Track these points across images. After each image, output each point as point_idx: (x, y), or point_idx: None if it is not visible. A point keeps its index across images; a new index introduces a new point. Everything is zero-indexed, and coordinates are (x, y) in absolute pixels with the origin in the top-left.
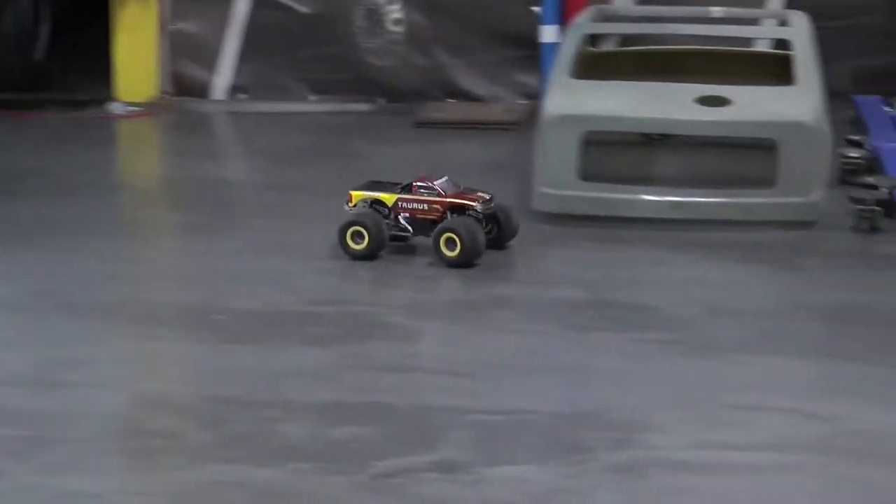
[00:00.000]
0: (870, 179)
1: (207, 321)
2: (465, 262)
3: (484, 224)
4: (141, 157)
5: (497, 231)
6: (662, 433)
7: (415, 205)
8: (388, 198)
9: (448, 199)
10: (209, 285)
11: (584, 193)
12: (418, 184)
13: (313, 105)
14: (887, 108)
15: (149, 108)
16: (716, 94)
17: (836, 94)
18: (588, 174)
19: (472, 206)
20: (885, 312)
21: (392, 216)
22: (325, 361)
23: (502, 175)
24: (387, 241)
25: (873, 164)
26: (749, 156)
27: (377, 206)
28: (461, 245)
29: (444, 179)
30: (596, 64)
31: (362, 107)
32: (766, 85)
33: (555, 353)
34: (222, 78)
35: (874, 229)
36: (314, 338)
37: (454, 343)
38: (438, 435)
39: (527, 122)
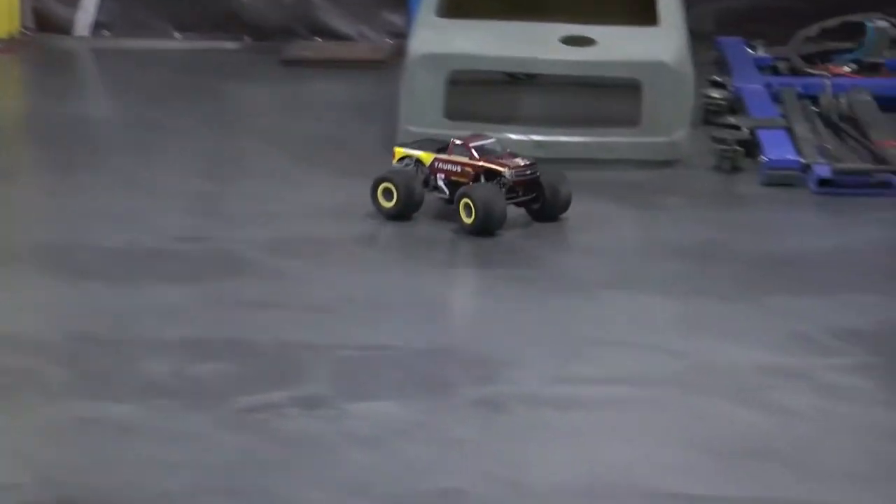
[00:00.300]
0: (732, 120)
1: (69, 259)
2: (480, 231)
3: (521, 192)
4: (0, 94)
5: (543, 201)
6: (523, 368)
7: (450, 166)
8: (426, 157)
9: (479, 163)
10: (71, 223)
11: (449, 132)
12: (456, 142)
13: (178, 43)
14: (750, 50)
15: (9, 45)
16: (580, 34)
17: (699, 36)
18: (454, 113)
19: (500, 171)
20: (745, 251)
21: (431, 176)
22: (187, 298)
23: (369, 114)
24: (420, 201)
25: (735, 105)
26: (613, 96)
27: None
28: (475, 213)
29: (489, 141)
30: (462, 3)
31: (228, 45)
32: (631, 26)
33: (417, 289)
34: (85, 14)
35: (735, 169)
36: (176, 275)
37: (316, 280)
38: (300, 371)
39: (393, 61)
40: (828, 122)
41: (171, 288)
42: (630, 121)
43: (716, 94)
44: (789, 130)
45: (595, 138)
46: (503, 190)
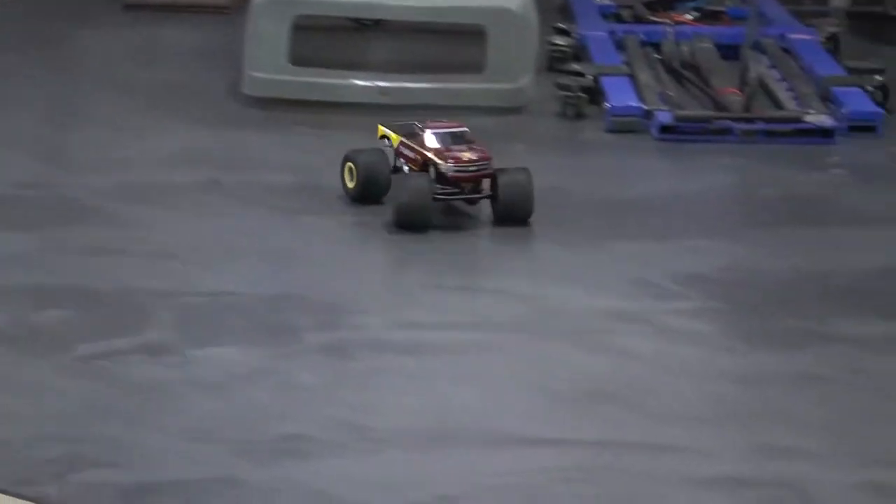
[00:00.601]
0: (576, 67)
1: None
2: (359, 197)
3: (467, 188)
4: None
5: (497, 201)
6: (368, 315)
7: (408, 150)
8: (395, 139)
9: (423, 151)
10: None
11: (294, 78)
12: (418, 125)
13: None
14: None
15: None
16: None
17: None
18: (299, 59)
19: (437, 164)
20: (588, 197)
21: (398, 159)
22: (28, 245)
23: (213, 61)
24: (386, 184)
25: (580, 52)
26: (459, 42)
27: None
28: (356, 178)
29: (456, 129)
30: None
31: None
32: None
33: (262, 236)
34: None
35: (579, 115)
36: (17, 222)
37: (161, 227)
38: (145, 318)
39: (237, 7)
40: (670, 70)
41: (12, 235)
42: (475, 67)
43: (560, 41)
44: (632, 77)
45: (440, 85)
46: (432, 181)
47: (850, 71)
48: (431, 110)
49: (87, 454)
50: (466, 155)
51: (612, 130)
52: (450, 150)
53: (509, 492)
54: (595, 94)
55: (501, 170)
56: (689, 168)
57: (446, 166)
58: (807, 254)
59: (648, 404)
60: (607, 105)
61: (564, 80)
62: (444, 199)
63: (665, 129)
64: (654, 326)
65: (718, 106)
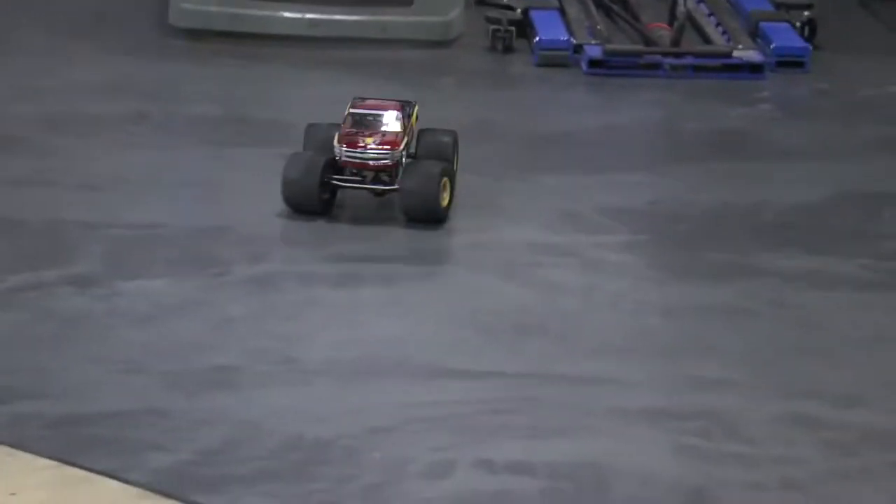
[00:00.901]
0: (505, 0)
1: None
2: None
3: (367, 177)
4: None
5: (401, 193)
6: (295, 246)
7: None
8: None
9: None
10: None
11: (221, 9)
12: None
13: None
14: None
15: None
16: None
17: None
18: None
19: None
20: (517, 130)
21: None
22: None
23: None
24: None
25: None
26: None
27: None
28: None
29: (369, 112)
30: None
31: None
32: None
33: (190, 168)
34: None
35: (508, 49)
36: None
37: (88, 158)
38: (72, 249)
39: None
40: (599, 4)
41: None
42: (405, 0)
43: None
44: (562, 12)
45: (369, 17)
46: (321, 163)
47: (779, 6)
48: (359, 43)
49: (15, 385)
50: (366, 140)
51: (541, 64)
52: (353, 133)
53: (439, 423)
54: (524, 27)
55: (413, 161)
56: (617, 102)
57: (337, 149)
58: (733, 188)
59: (576, 337)
60: (536, 39)
61: (493, 13)
62: (337, 186)
63: (594, 63)
64: (582, 259)
65: (648, 41)
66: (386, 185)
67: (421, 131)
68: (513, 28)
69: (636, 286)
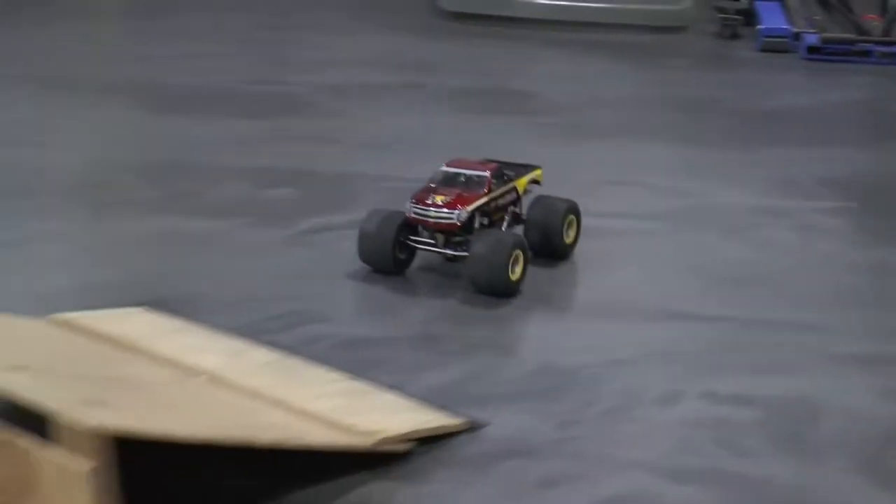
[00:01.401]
0: None
1: (154, 95)
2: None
3: (441, 240)
4: None
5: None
6: None
7: None
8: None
9: None
10: (156, 64)
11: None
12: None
13: None
14: None
15: None
16: None
17: None
18: None
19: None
20: (740, 107)
21: None
22: (259, 132)
23: None
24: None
25: None
26: None
27: None
28: None
29: (455, 171)
30: None
31: None
32: None
33: (456, 131)
34: None
35: (734, 36)
36: (247, 112)
37: (368, 120)
38: (355, 198)
39: None
40: None
41: (244, 123)
42: None
43: None
44: (783, 3)
45: (610, 4)
46: (398, 220)
47: None
48: (599, 27)
49: (309, 310)
50: (435, 198)
51: (763, 50)
52: (429, 191)
53: (669, 358)
54: (749, 17)
55: (483, 230)
56: (831, 85)
57: (407, 205)
58: None
59: (790, 289)
60: (760, 27)
61: (722, 3)
62: (411, 245)
63: (811, 49)
64: (796, 221)
65: (860, 30)
66: (457, 249)
67: (537, 198)
68: (739, 17)
69: (845, 247)
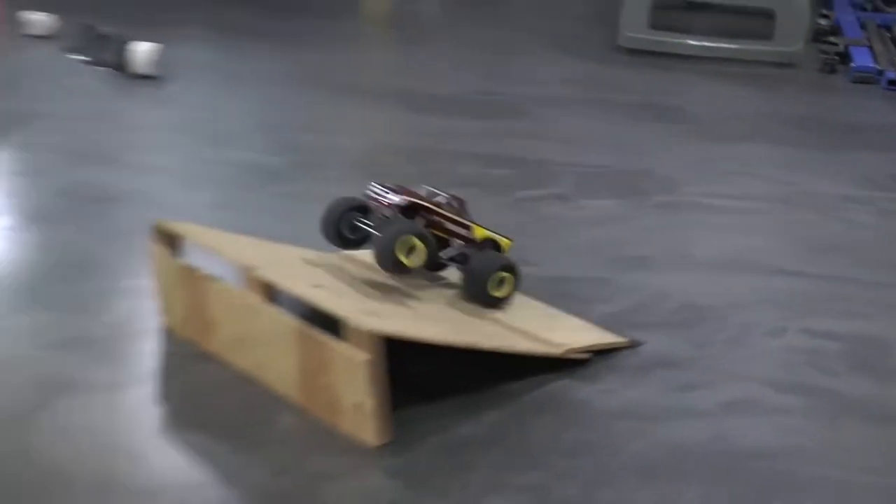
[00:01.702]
0: (832, 39)
1: (415, 100)
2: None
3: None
4: None
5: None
6: (690, 186)
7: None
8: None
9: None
10: (418, 77)
11: (651, 37)
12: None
13: None
14: None
15: None
16: None
17: None
18: (654, 24)
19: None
20: (832, 122)
21: None
22: (485, 128)
23: (599, 21)
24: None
25: (835, 29)
26: (755, 19)
27: None
28: None
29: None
30: None
31: None
32: None
33: (622, 133)
34: None
35: (832, 71)
36: (479, 114)
37: (563, 122)
38: (555, 178)
39: None
40: None
41: (475, 121)
42: (766, 35)
43: (822, 21)
44: (870, 48)
45: (742, 45)
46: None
47: None
48: (733, 62)
49: (520, 256)
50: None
51: (854, 81)
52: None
53: (776, 303)
54: (844, 57)
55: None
56: None
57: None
58: None
59: (868, 256)
60: (852, 65)
61: (824, 47)
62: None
63: (891, 82)
64: (875, 207)
65: None
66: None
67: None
68: (837, 57)
69: None
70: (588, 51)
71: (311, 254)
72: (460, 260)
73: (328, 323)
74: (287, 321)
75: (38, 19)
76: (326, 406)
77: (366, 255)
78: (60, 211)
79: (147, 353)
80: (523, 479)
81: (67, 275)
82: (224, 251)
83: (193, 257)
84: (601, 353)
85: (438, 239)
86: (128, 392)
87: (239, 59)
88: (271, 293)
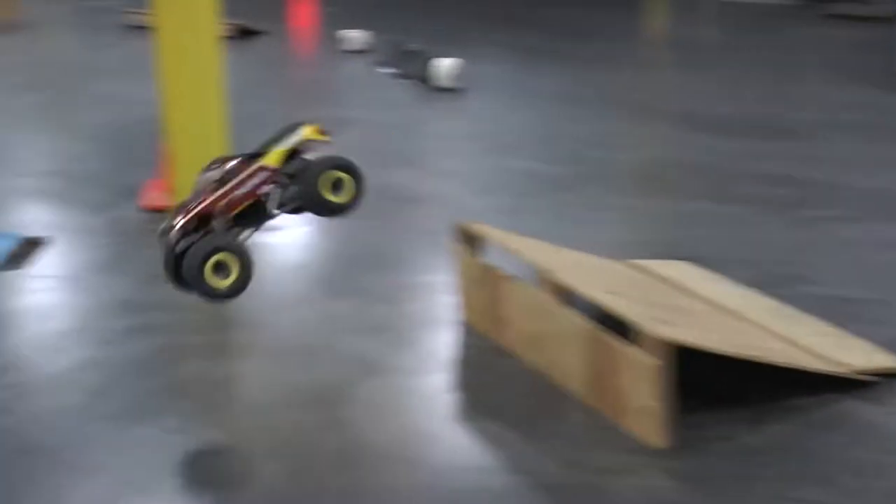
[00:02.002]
0: None
1: (691, 119)
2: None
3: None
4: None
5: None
6: None
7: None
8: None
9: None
10: (695, 99)
11: None
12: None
13: None
14: None
15: None
16: None
17: None
18: None
19: None
20: None
21: None
22: (765, 149)
23: (873, 50)
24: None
25: None
26: None
27: None
28: None
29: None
30: None
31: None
32: None
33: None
34: None
35: None
36: (758, 134)
37: (842, 145)
38: (839, 199)
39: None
40: None
41: (756, 142)
42: None
43: None
44: None
45: None
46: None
47: None
48: None
49: (798, 273)
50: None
51: None
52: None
53: None
54: None
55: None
56: None
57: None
58: None
59: None
60: None
61: None
62: None
63: None
64: None
65: None
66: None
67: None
68: None
69: None
70: (866, 76)
71: (603, 261)
72: (287, 199)
73: (618, 327)
74: (581, 323)
75: (354, 36)
76: (614, 406)
77: (655, 263)
78: (369, 207)
79: (443, 344)
80: (806, 494)
81: (373, 266)
82: (524, 253)
83: (491, 257)
84: (887, 377)
85: (250, 207)
86: (426, 378)
87: (530, 77)
88: (567, 296)
